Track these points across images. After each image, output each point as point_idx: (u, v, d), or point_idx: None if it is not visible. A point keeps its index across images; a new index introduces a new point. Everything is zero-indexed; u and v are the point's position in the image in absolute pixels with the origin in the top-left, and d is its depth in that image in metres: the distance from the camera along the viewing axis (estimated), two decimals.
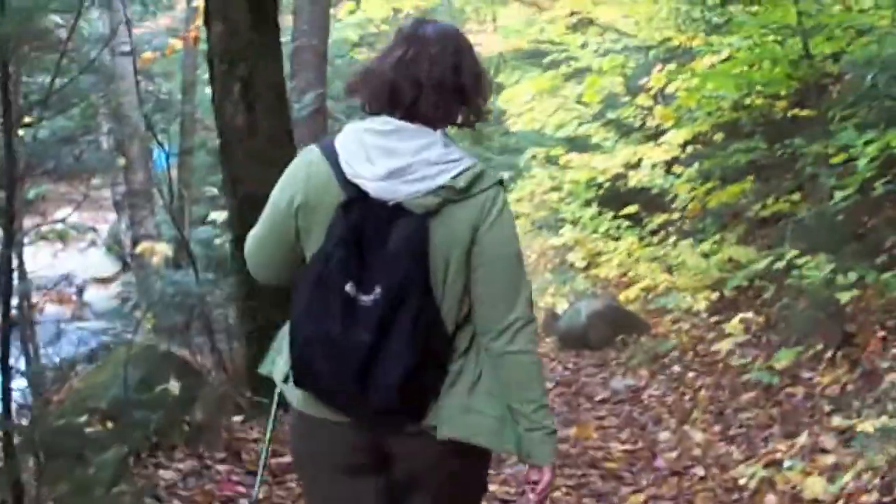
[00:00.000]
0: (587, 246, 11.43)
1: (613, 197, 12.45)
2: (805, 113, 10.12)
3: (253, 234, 2.76)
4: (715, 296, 8.32)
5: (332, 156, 2.58)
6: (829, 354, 6.18)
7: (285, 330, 2.69)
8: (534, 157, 13.92)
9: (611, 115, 13.05)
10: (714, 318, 8.18)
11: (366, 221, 2.52)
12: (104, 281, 17.03)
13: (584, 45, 13.57)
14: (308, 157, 2.65)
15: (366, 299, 2.50)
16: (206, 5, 5.51)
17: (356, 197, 2.53)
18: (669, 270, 9.99)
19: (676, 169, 10.79)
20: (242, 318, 5.78)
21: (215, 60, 5.51)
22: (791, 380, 6.28)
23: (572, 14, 14.89)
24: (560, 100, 13.70)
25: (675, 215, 10.83)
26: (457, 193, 2.54)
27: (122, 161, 11.66)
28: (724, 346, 7.17)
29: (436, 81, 2.55)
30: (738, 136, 10.96)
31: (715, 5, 11.99)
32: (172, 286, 6.99)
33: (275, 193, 2.66)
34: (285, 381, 2.70)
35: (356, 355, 2.49)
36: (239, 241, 5.53)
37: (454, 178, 2.54)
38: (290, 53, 13.34)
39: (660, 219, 11.16)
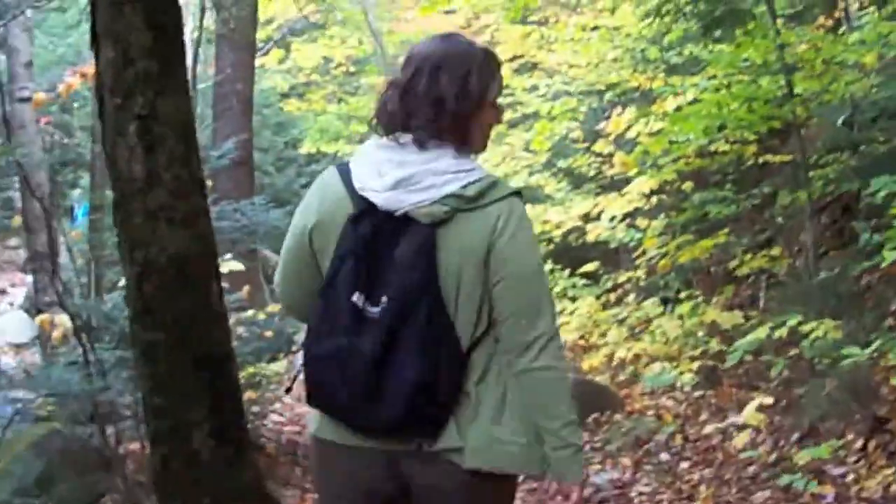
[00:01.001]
0: None
1: (565, 252, 11.47)
2: (778, 158, 9.32)
3: (278, 270, 2.76)
4: (696, 365, 7.27)
5: (345, 173, 2.60)
6: (858, 444, 5.13)
7: None
8: None
9: (562, 163, 12.09)
10: (699, 393, 7.13)
11: (374, 233, 2.51)
12: (19, 347, 15.84)
13: (531, 89, 12.62)
14: (324, 178, 2.67)
15: (374, 310, 2.49)
16: (93, 25, 4.33)
17: (366, 209, 2.52)
18: (634, 333, 9.02)
19: (640, 222, 9.75)
20: (147, 417, 4.61)
21: (105, 94, 4.30)
22: (815, 475, 5.19)
23: (514, 59, 14.06)
24: (507, 148, 12.74)
25: (640, 272, 9.79)
26: (466, 203, 2.51)
27: (17, 221, 10.44)
28: (717, 429, 6.11)
29: (452, 100, 2.54)
30: (704, 184, 10.09)
31: (671, 45, 11.14)
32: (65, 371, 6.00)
33: (293, 220, 2.68)
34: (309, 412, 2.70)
35: (364, 367, 2.47)
36: (141, 318, 4.45)
37: (463, 187, 2.51)
38: (213, 99, 12.32)
39: (623, 276, 10.14)
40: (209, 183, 12.97)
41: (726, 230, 8.89)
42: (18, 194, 11.88)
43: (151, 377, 4.46)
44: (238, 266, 8.19)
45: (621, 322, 9.11)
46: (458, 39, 2.69)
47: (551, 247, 11.24)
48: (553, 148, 12.33)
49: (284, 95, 22.37)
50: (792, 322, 6.04)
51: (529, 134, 12.21)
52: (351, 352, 2.48)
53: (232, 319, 7.03)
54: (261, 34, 22.56)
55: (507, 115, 12.71)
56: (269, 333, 7.07)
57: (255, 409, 7.57)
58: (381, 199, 2.51)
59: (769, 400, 6.12)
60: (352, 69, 23.81)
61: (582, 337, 9.58)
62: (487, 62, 2.64)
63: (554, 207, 11.10)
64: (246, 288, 8.19)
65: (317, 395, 2.58)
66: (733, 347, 6.26)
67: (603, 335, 8.94)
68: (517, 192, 2.59)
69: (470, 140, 2.62)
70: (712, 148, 9.41)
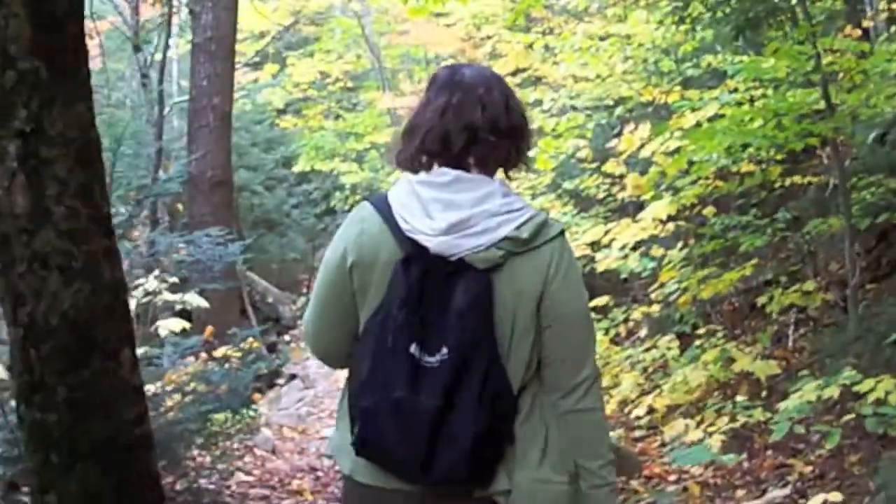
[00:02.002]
0: None
1: None
2: (809, 180, 8.39)
3: (309, 308, 2.69)
4: (725, 422, 6.24)
5: (385, 211, 2.54)
6: None
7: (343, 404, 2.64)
8: None
9: (568, 184, 11.09)
10: (731, 455, 6.09)
11: (427, 279, 2.46)
12: None
13: (535, 104, 11.64)
14: (360, 214, 2.61)
15: (430, 361, 2.44)
16: None
17: (416, 253, 2.47)
18: (648, 375, 8.03)
19: (655, 251, 8.75)
20: None
21: None
22: None
23: (516, 73, 13.14)
24: None
25: (655, 308, 8.78)
26: (521, 245, 2.48)
27: None
28: None
29: (489, 123, 2.53)
30: (725, 209, 9.12)
31: (686, 56, 10.19)
32: None
33: (327, 255, 2.62)
34: (339, 451, 2.64)
35: (425, 420, 2.42)
36: (27, 395, 3.44)
37: (517, 228, 2.48)
38: (188, 114, 11.35)
39: (636, 312, 9.12)
40: (178, 207, 12.06)
41: (753, 261, 7.90)
42: None
43: (41, 470, 3.46)
44: (201, 302, 7.22)
45: (632, 363, 8.10)
46: (491, 70, 2.68)
47: None
48: (558, 167, 11.37)
49: (280, 111, 21.59)
50: (844, 380, 5.05)
51: (532, 152, 11.23)
52: (411, 405, 2.43)
53: (181, 373, 6.12)
54: (253, 47, 22.09)
55: None
56: (223, 388, 6.03)
57: (220, 466, 6.58)
58: (433, 243, 2.46)
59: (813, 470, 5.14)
60: (350, 84, 23.08)
61: None
62: (510, 87, 2.64)
63: None
64: (209, 329, 7.21)
65: (370, 447, 2.51)
66: (777, 422, 5.21)
67: (615, 378, 7.93)
68: (563, 231, 2.56)
69: (517, 167, 2.65)
70: (734, 168, 8.52)
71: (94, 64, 16.55)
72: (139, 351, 4.20)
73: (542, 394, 2.57)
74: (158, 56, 11.59)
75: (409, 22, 18.87)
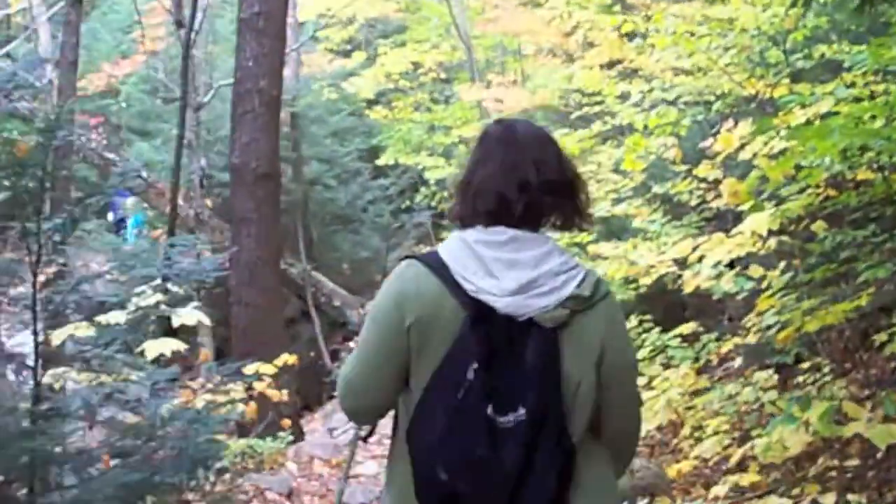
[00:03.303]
0: None
1: (654, 298, 9.18)
2: None
3: (356, 364, 2.68)
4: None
5: (441, 269, 2.57)
6: None
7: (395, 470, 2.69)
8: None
9: (658, 188, 9.73)
10: None
11: (495, 339, 2.50)
12: None
13: (623, 97, 10.32)
14: (412, 272, 2.63)
15: (504, 420, 2.49)
16: None
17: (484, 313, 2.51)
18: (740, 422, 6.72)
19: (754, 270, 7.36)
20: None
21: None
22: None
23: (612, 65, 11.90)
24: (591, 168, 10.45)
25: (752, 337, 7.39)
26: (583, 303, 2.55)
27: None
28: None
29: (545, 183, 2.60)
30: (838, 222, 7.69)
31: (797, 46, 8.77)
32: None
33: (379, 312, 2.64)
34: None
35: (505, 481, 2.47)
36: None
37: (578, 286, 2.56)
38: (231, 99, 10.23)
39: (728, 343, 7.76)
40: (207, 203, 10.97)
41: (870, 290, 6.51)
42: None
43: None
44: (202, 318, 6.08)
45: (718, 407, 6.77)
46: (540, 127, 2.79)
47: (638, 290, 8.97)
48: (648, 169, 10.02)
49: (371, 102, 20.67)
50: None
51: (620, 151, 9.93)
52: (493, 463, 2.47)
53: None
54: (342, 35, 21.20)
55: (596, 128, 10.53)
56: (162, 452, 4.75)
57: None
58: (502, 303, 2.52)
59: None
60: (442, 75, 22.09)
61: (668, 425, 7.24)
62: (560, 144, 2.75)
63: (645, 244, 8.77)
64: (204, 353, 6.12)
65: (446, 501, 2.53)
66: None
67: (698, 428, 6.59)
68: (609, 287, 2.65)
69: (574, 223, 2.72)
70: (850, 175, 7.10)
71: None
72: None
73: (595, 442, 2.66)
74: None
75: (500, 8, 17.86)
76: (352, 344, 15.01)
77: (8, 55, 13.98)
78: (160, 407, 4.91)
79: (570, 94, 14.98)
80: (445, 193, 18.56)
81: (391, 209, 17.61)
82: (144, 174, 13.49)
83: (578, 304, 2.54)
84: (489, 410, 2.47)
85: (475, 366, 2.47)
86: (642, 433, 2.93)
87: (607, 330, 2.58)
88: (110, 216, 22.37)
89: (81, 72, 12.30)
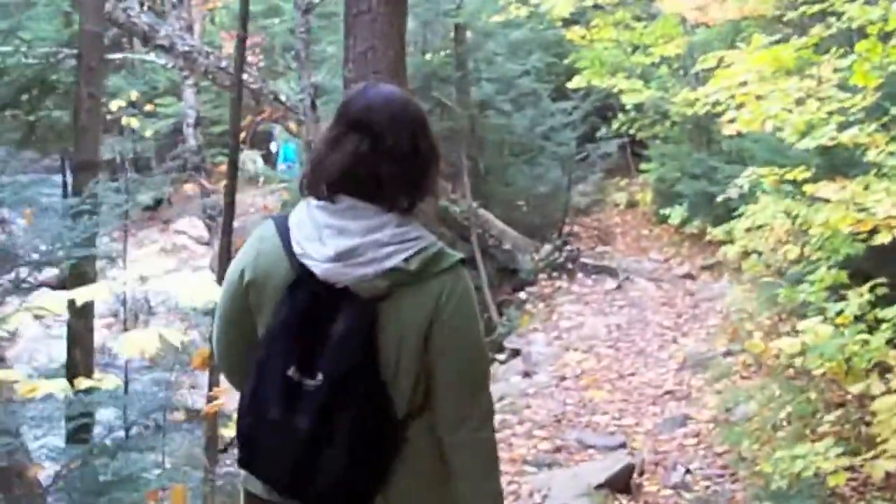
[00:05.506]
0: (844, 374, 5.81)
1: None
2: None
3: (214, 322, 2.80)
4: None
5: (284, 232, 2.63)
6: None
7: None
8: (760, 179, 8.36)
9: None
10: None
11: (313, 303, 2.55)
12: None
13: None
14: (261, 233, 2.71)
15: (310, 384, 2.51)
16: None
17: (304, 278, 2.56)
18: None
19: None
20: None
21: None
22: None
23: None
24: (809, 83, 8.12)
25: None
26: (409, 277, 2.54)
27: None
28: None
29: (397, 174, 2.58)
30: None
31: None
32: None
33: (229, 269, 2.73)
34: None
35: (298, 444, 2.51)
36: None
37: (406, 260, 2.54)
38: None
39: None
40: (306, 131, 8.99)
41: None
42: None
43: None
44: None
45: None
46: (402, 99, 2.70)
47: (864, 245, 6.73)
48: (885, 85, 7.65)
49: (567, 21, 18.62)
50: None
51: (847, 62, 7.62)
52: (285, 427, 2.51)
53: None
54: None
55: (815, 33, 8.23)
56: None
57: None
58: (320, 269, 2.53)
59: None
60: None
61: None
62: (425, 118, 2.70)
63: (881, 184, 6.51)
64: (201, 354, 4.41)
65: (248, 461, 2.63)
66: None
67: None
68: (461, 261, 2.63)
69: (421, 198, 2.66)
70: None
71: None
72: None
73: (434, 426, 2.62)
74: None
75: None
76: (522, 295, 13.15)
77: None
78: None
79: None
80: (646, 120, 16.58)
81: (575, 137, 15.39)
82: (283, 97, 11.75)
83: (403, 277, 2.52)
84: (291, 372, 2.51)
85: (284, 328, 2.53)
86: None
87: (437, 306, 2.54)
88: (273, 146, 21.19)
89: None
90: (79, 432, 4.65)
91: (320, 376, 2.48)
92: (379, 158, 2.55)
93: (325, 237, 2.53)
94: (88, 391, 4.44)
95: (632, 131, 16.34)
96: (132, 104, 13.83)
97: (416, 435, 2.60)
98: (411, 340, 2.52)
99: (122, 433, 5.19)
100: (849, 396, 6.72)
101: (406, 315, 2.52)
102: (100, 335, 8.46)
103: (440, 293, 2.52)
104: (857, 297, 6.24)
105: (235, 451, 2.73)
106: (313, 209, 2.59)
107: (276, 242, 2.60)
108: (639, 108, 16.36)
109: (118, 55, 16.31)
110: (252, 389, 2.57)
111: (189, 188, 16.60)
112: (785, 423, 6.92)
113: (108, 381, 4.28)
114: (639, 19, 19.70)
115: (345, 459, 2.49)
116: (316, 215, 2.57)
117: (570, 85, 16.13)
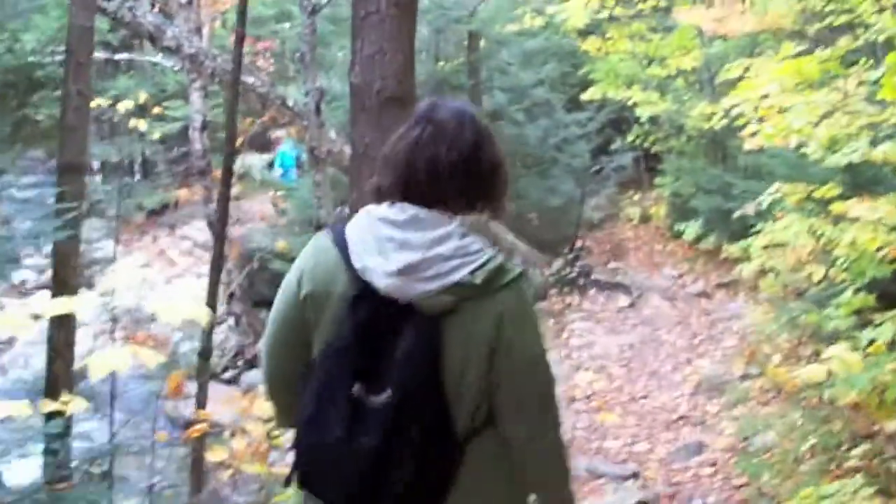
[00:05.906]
0: (875, 407, 5.49)
1: None
2: None
3: (266, 335, 2.75)
4: None
5: (341, 244, 2.60)
6: None
7: None
8: (783, 196, 8.06)
9: None
10: None
11: (375, 319, 2.50)
12: None
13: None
14: (317, 244, 2.67)
15: (375, 401, 2.47)
16: None
17: (367, 293, 2.51)
18: None
19: None
20: None
21: None
22: None
23: None
24: (836, 96, 7.80)
25: None
26: (473, 291, 2.48)
27: None
28: None
29: (454, 162, 2.57)
30: None
31: None
32: None
33: (285, 280, 2.69)
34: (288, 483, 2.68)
35: (363, 462, 2.47)
36: None
37: (471, 273, 2.49)
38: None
39: None
40: (331, 136, 8.69)
41: None
42: None
43: None
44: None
45: None
46: (471, 109, 2.70)
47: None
48: None
49: (582, 32, 18.41)
50: None
51: (874, 74, 7.34)
52: (350, 445, 2.48)
53: None
54: None
55: (841, 46, 7.98)
56: None
57: None
58: (383, 284, 2.49)
59: None
60: (663, 3, 19.62)
61: None
62: (490, 129, 2.68)
63: None
64: (175, 379, 4.08)
65: (309, 482, 2.61)
66: None
67: None
68: (522, 274, 2.55)
69: (486, 209, 2.62)
70: None
71: None
72: None
73: (502, 443, 2.60)
74: None
75: None
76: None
77: None
78: None
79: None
80: (661, 133, 16.32)
81: (589, 149, 15.08)
82: (290, 102, 11.42)
83: (466, 291, 2.47)
84: (356, 390, 2.47)
85: (348, 345, 2.49)
86: None
87: (502, 323, 2.48)
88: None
89: None
90: (51, 454, 4.32)
91: (386, 394, 2.44)
92: (439, 145, 2.53)
93: (387, 251, 2.50)
94: (54, 415, 4.10)
95: (646, 144, 16.19)
96: (140, 107, 13.57)
97: (476, 453, 2.56)
98: (476, 357, 2.49)
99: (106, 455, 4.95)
100: (875, 427, 6.38)
101: (471, 330, 2.48)
102: (90, 344, 8.12)
103: (503, 309, 2.48)
104: (894, 324, 5.90)
105: (288, 470, 2.67)
106: (375, 221, 2.55)
107: (334, 255, 2.57)
108: (654, 120, 16.25)
109: (124, 56, 16.05)
110: (312, 408, 2.54)
111: (194, 192, 16.34)
112: (808, 456, 6.58)
113: (76, 403, 3.94)
114: (655, 31, 19.53)
115: (411, 478, 2.46)
116: (377, 227, 2.54)
117: (585, 96, 15.94)
